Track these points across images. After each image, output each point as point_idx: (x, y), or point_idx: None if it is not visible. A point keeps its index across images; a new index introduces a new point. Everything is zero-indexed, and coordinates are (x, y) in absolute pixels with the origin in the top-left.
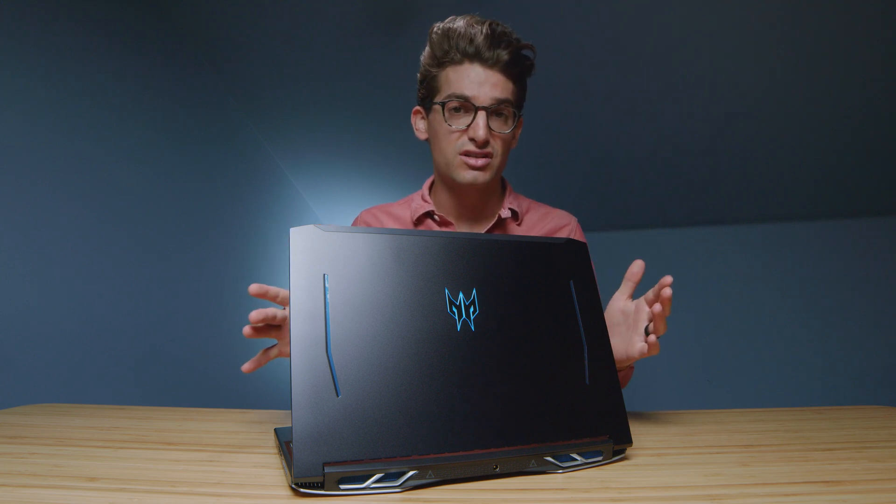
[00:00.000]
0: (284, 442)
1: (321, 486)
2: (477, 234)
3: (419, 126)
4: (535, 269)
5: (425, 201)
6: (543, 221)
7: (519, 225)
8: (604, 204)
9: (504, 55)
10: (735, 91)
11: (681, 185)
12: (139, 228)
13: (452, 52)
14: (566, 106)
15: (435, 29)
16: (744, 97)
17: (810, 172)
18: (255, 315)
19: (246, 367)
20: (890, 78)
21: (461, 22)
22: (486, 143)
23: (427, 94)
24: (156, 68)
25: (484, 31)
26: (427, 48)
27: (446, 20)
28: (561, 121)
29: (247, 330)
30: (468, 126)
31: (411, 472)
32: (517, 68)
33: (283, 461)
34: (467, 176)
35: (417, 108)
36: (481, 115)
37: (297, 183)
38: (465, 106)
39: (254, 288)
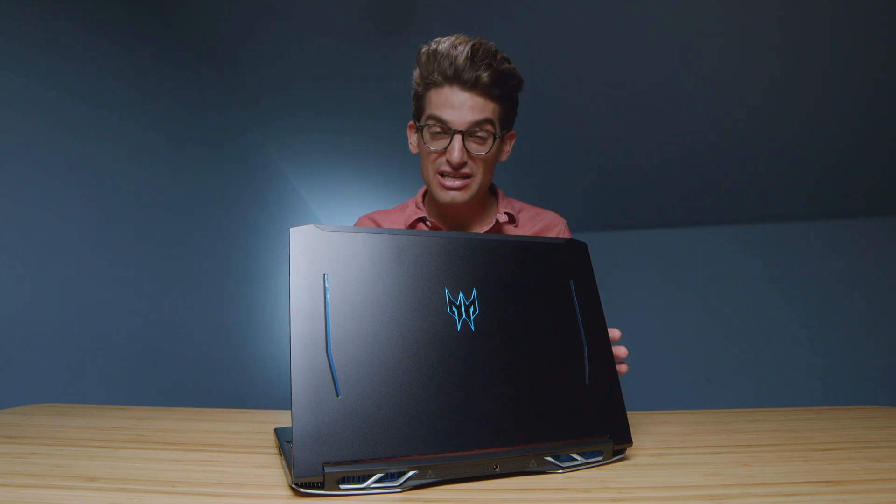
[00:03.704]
0: (284, 442)
1: (321, 486)
2: (477, 234)
3: (412, 140)
4: (535, 269)
5: (419, 208)
6: (534, 221)
7: (516, 226)
8: (604, 204)
9: (484, 76)
10: (735, 92)
11: (681, 186)
12: (139, 229)
13: (434, 74)
14: (567, 106)
15: (422, 50)
16: (744, 98)
17: (810, 172)
18: None
19: None
20: (890, 78)
21: (446, 43)
22: (461, 166)
23: (417, 112)
24: (156, 69)
25: (465, 52)
26: (416, 68)
27: (433, 41)
28: (562, 122)
29: None
30: (446, 148)
31: (411, 472)
32: (499, 89)
33: (283, 461)
34: (445, 197)
35: (412, 122)
36: (457, 139)
37: (297, 183)
38: (443, 129)
39: None
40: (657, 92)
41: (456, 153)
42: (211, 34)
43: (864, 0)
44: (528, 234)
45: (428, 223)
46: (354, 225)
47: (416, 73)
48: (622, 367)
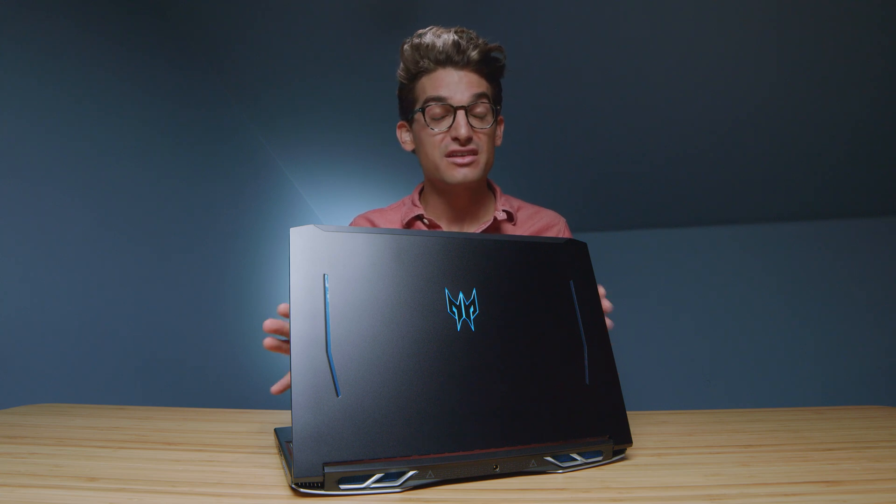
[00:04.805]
0: (284, 442)
1: (321, 486)
2: (477, 234)
3: (405, 139)
4: (535, 269)
5: (415, 205)
6: (533, 220)
7: (514, 224)
8: (605, 204)
9: (474, 55)
10: (736, 92)
11: (681, 186)
12: (139, 228)
13: (423, 61)
14: (567, 106)
15: (405, 45)
16: (744, 98)
17: (810, 172)
18: (269, 324)
19: (274, 388)
20: (890, 78)
21: (428, 35)
22: (469, 140)
23: (407, 107)
24: (155, 68)
25: (451, 37)
26: (401, 64)
27: (413, 35)
28: (562, 122)
29: (267, 341)
30: (450, 127)
31: (411, 472)
32: (488, 68)
33: (283, 461)
34: (457, 175)
35: (401, 122)
36: (461, 114)
37: (297, 183)
38: (445, 108)
39: (269, 323)
40: (658, 92)
41: (463, 128)
42: (210, 33)
43: (864, 0)
44: (526, 232)
45: (425, 220)
46: (350, 225)
47: (402, 67)
48: (608, 322)
